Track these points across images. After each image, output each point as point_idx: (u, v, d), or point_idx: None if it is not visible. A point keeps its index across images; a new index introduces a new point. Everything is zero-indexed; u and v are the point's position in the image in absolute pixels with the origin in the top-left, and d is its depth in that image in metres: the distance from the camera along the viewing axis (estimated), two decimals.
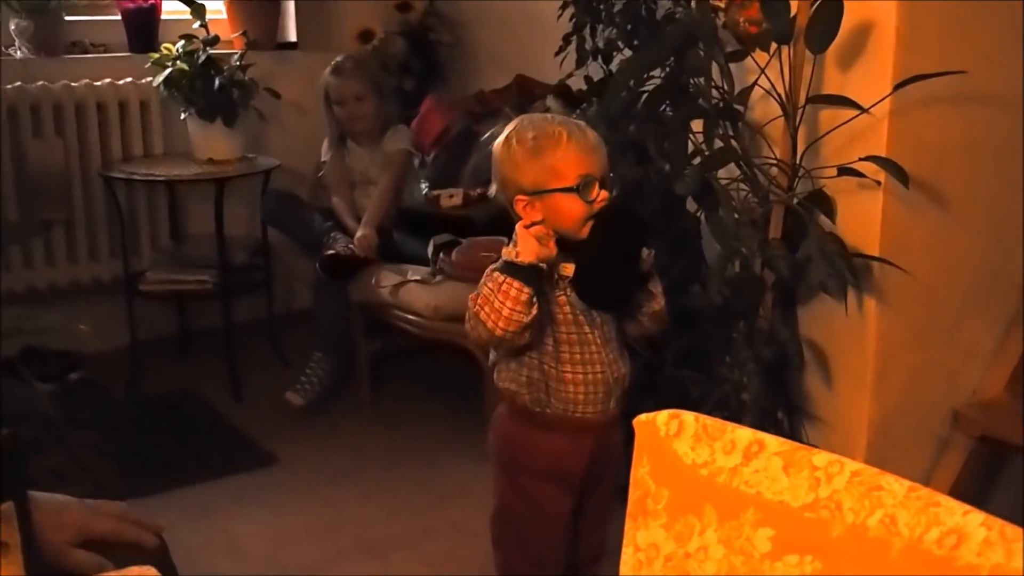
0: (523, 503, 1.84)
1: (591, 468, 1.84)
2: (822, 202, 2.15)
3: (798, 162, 2.15)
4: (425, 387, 3.52)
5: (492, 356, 1.84)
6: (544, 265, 1.67)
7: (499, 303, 1.65)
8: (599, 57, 2.61)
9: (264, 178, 3.52)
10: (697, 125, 2.25)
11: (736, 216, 2.13)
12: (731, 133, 2.19)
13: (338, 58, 3.42)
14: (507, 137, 1.74)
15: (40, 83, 3.34)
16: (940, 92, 2.08)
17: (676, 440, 1.03)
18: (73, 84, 3.40)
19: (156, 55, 3.40)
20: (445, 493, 2.81)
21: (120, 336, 3.49)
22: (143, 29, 3.57)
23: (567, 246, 1.71)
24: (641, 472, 1.05)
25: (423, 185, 3.51)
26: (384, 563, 2.48)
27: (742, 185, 2.19)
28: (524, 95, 3.42)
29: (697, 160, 2.24)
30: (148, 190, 3.57)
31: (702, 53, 2.17)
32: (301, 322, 3.64)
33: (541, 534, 1.86)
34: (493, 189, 1.79)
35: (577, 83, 2.73)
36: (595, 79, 2.64)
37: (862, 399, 2.25)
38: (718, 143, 2.19)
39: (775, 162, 2.17)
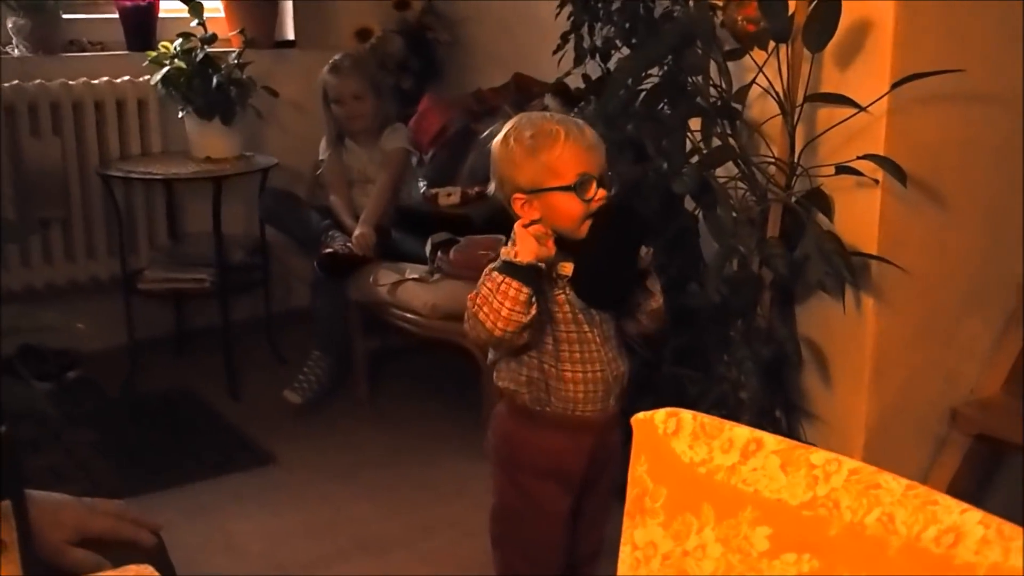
0: (523, 501, 1.84)
1: (590, 467, 1.84)
2: (820, 201, 2.15)
3: (796, 160, 2.15)
4: (423, 385, 3.52)
5: (491, 355, 1.84)
6: (543, 265, 1.67)
7: (498, 303, 1.65)
8: (597, 55, 2.61)
9: (262, 176, 3.52)
10: (695, 123, 2.25)
11: (734, 215, 2.13)
12: (729, 131, 2.19)
13: (336, 56, 3.42)
14: (505, 135, 1.74)
15: (37, 81, 3.34)
16: (938, 91, 2.08)
17: (674, 438, 1.03)
18: (71, 82, 3.39)
19: (154, 53, 3.40)
20: (443, 491, 2.81)
21: (118, 335, 3.48)
22: (141, 27, 3.57)
23: (566, 245, 1.71)
24: (639, 470, 1.05)
25: (421, 184, 3.51)
26: (382, 561, 2.48)
27: (740, 183, 2.19)
28: (522, 93, 3.42)
29: (695, 158, 2.24)
30: (146, 189, 3.56)
31: (700, 51, 2.17)
32: (299, 321, 3.64)
33: (540, 533, 1.86)
34: (492, 187, 1.79)
35: (575, 81, 2.73)
36: (593, 77, 2.64)
37: (860, 397, 2.25)
38: (716, 141, 2.19)
39: (773, 160, 2.17)
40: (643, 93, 2.35)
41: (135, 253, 3.55)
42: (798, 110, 2.10)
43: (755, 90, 2.20)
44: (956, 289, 2.31)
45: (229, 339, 3.40)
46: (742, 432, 1.00)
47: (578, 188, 1.67)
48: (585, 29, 2.60)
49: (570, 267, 1.72)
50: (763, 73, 2.13)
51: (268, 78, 3.51)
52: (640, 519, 1.04)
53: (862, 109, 2.02)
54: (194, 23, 3.39)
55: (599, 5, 2.54)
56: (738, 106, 2.21)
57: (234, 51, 3.46)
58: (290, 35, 3.95)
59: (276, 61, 3.74)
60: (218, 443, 3.09)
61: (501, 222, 1.81)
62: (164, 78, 3.34)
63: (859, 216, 2.16)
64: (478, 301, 1.68)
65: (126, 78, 3.49)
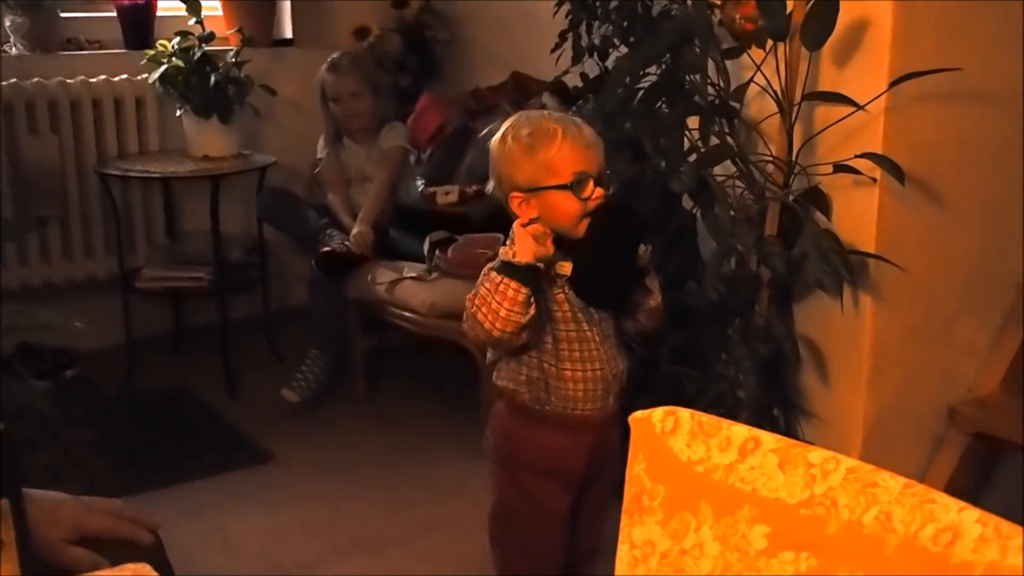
0: (522, 500, 1.84)
1: (590, 465, 1.84)
2: (818, 199, 2.15)
3: (794, 159, 2.15)
4: (421, 384, 3.52)
5: (491, 355, 1.84)
6: (541, 265, 1.67)
7: (496, 304, 1.64)
8: (595, 54, 2.61)
9: (260, 175, 3.51)
10: (693, 122, 2.25)
11: (732, 213, 2.13)
12: (727, 130, 2.19)
13: (334, 55, 3.42)
14: (503, 134, 1.74)
15: (35, 80, 3.33)
16: (936, 89, 2.08)
17: (672, 437, 1.03)
18: (68, 81, 3.39)
19: (152, 52, 3.39)
20: (441, 489, 2.80)
21: (115, 333, 3.48)
22: (138, 26, 3.56)
23: (564, 244, 1.71)
24: (637, 469, 1.05)
25: (419, 182, 3.50)
26: (380, 559, 2.48)
27: (738, 182, 2.19)
28: (520, 92, 3.42)
29: (693, 157, 2.24)
30: (144, 187, 3.56)
31: (698, 50, 2.17)
32: (297, 319, 3.64)
33: (540, 531, 1.86)
34: (490, 186, 1.78)
35: (573, 80, 2.73)
36: (591, 76, 2.64)
37: (858, 396, 2.25)
38: (714, 140, 2.19)
39: (771, 159, 2.17)
40: (641, 92, 2.35)
41: (133, 252, 3.54)
42: (796, 108, 2.10)
43: (753, 88, 2.20)
44: (954, 288, 2.31)
45: (227, 338, 3.40)
46: (740, 431, 1.00)
47: (575, 187, 1.67)
48: (583, 27, 2.60)
49: (569, 266, 1.72)
50: (761, 71, 2.13)
51: (266, 76, 3.51)
52: (638, 517, 1.04)
53: (860, 108, 2.02)
54: (192, 21, 3.39)
55: (597, 3, 2.54)
56: (736, 104, 2.21)
57: (232, 49, 3.46)
58: (288, 33, 3.95)
59: (274, 59, 3.73)
60: (216, 441, 3.09)
61: (499, 221, 1.81)
62: (162, 76, 3.34)
63: (857, 215, 2.16)
64: (476, 301, 1.68)
65: (124, 76, 3.49)
